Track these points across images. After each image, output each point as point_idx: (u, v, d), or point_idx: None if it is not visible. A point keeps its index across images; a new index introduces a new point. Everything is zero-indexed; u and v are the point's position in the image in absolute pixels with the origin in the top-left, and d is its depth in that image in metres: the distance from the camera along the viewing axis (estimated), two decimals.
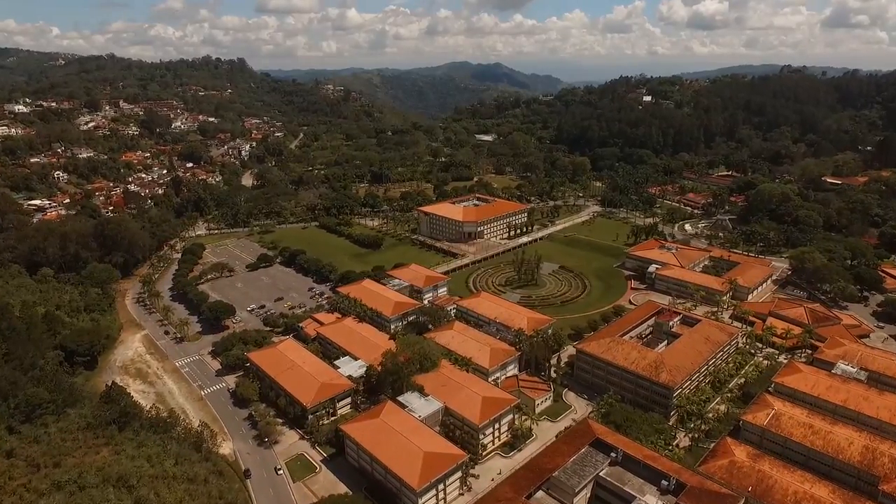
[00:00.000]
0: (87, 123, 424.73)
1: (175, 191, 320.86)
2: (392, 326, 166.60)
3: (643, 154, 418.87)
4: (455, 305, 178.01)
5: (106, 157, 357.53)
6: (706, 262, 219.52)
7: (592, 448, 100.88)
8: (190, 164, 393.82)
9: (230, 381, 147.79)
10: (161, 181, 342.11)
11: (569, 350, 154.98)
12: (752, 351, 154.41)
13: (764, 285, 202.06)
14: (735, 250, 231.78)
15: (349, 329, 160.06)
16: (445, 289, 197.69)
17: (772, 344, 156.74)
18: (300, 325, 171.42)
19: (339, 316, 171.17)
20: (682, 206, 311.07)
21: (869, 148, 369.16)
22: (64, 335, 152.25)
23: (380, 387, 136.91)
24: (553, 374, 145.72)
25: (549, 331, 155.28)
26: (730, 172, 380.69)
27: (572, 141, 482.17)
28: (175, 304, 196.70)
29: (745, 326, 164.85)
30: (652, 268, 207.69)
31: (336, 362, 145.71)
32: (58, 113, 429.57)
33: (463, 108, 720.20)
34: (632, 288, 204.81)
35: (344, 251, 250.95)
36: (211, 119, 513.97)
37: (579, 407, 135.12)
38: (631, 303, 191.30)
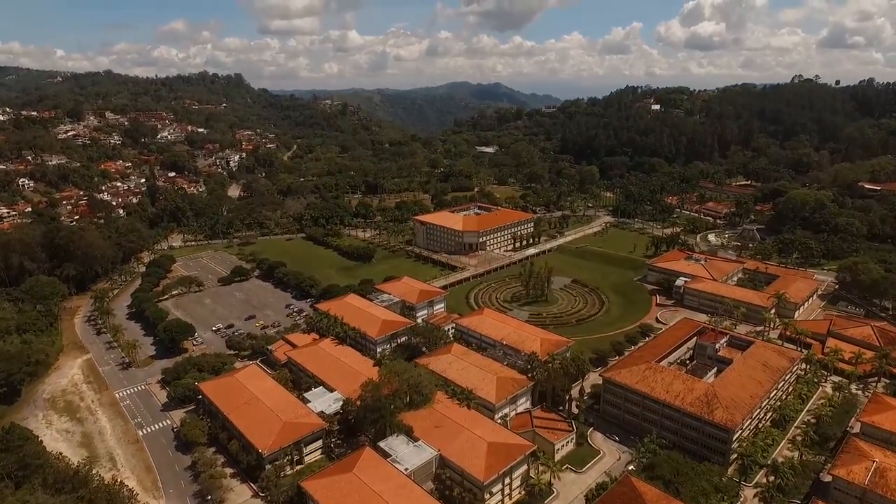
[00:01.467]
0: (66, 132, 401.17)
1: (151, 200, 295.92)
2: (378, 350, 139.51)
3: (655, 163, 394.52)
4: (454, 324, 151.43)
5: (79, 164, 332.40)
6: (740, 275, 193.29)
7: None
8: (172, 174, 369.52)
9: (178, 416, 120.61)
10: (137, 190, 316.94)
11: (591, 378, 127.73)
12: (816, 380, 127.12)
13: (810, 301, 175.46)
14: (769, 262, 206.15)
15: (326, 353, 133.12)
16: (443, 305, 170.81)
17: (837, 370, 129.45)
18: (269, 347, 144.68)
19: (317, 337, 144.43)
20: (702, 216, 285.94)
21: None
22: None
23: (359, 426, 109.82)
24: (575, 409, 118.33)
25: (568, 354, 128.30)
26: (749, 181, 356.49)
27: (578, 151, 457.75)
28: (131, 324, 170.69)
29: (800, 349, 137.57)
30: (680, 281, 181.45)
31: (307, 395, 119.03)
32: (35, 121, 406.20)
33: (463, 121, 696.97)
34: (657, 304, 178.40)
35: (331, 264, 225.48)
36: (200, 130, 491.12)
37: (609, 452, 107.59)
38: (659, 321, 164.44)
